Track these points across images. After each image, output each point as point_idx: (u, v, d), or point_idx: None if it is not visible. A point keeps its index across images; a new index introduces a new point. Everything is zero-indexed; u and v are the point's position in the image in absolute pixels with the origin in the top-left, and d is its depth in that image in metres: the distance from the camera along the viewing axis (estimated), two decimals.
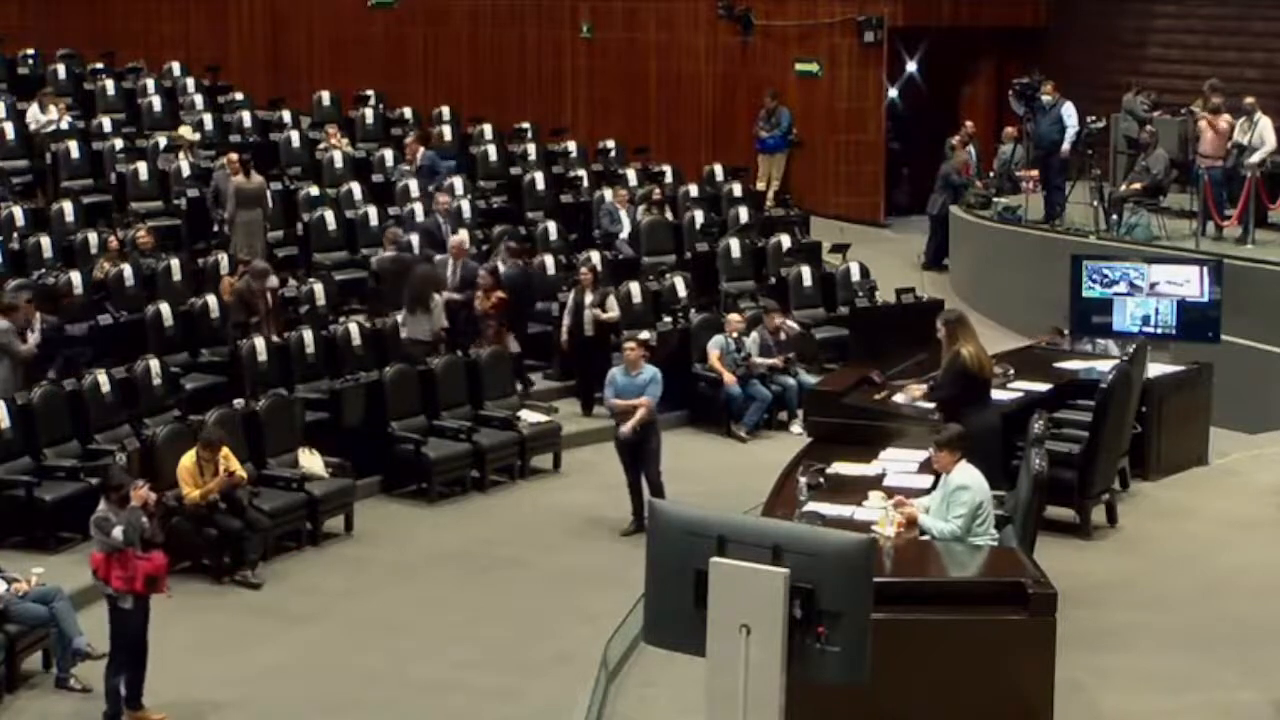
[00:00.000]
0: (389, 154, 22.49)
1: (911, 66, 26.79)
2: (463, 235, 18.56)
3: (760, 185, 25.01)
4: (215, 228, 19.83)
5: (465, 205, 20.58)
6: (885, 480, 10.77)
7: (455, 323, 17.35)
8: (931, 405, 11.98)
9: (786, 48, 25.89)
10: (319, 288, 18.10)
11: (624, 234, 20.54)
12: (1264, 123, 19.85)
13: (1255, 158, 19.56)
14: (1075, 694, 9.83)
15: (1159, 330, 15.28)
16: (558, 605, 13.16)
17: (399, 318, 17.10)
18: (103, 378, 14.88)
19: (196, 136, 22.02)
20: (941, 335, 11.77)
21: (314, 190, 20.68)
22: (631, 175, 22.59)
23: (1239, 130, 19.79)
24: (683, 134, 26.47)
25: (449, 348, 16.88)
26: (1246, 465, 14.95)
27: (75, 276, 17.04)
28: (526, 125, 24.45)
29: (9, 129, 21.71)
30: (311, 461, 14.84)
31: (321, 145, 22.52)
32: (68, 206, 19.57)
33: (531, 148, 23.52)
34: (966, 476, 9.78)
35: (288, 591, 13.55)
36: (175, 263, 17.92)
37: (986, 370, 11.77)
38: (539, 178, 21.95)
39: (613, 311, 17.60)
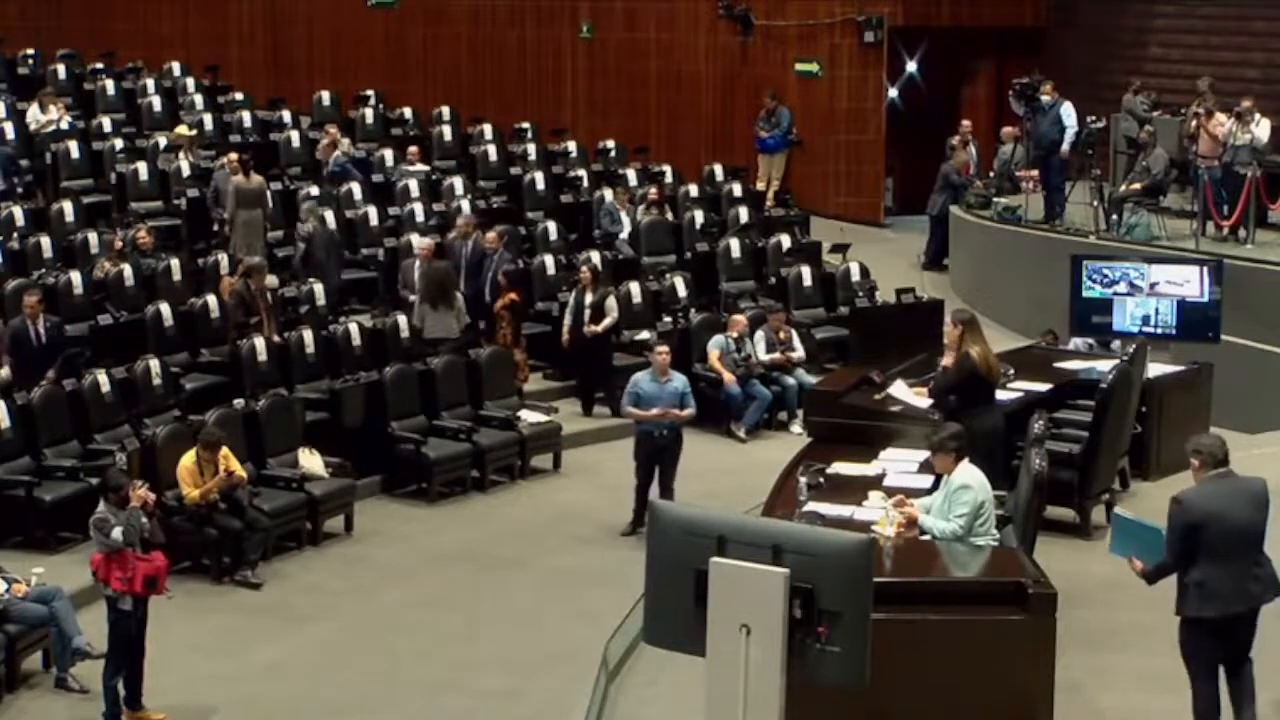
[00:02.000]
0: (389, 154, 22.50)
1: (911, 66, 26.79)
2: (426, 239, 18.60)
3: (760, 185, 25.01)
4: (215, 228, 19.85)
5: (465, 205, 20.59)
6: (885, 480, 10.75)
7: None
8: (930, 404, 11.98)
9: (786, 48, 25.89)
10: (319, 288, 18.11)
11: (624, 234, 20.55)
12: (1263, 125, 19.88)
13: (1246, 153, 19.59)
14: (1075, 694, 9.82)
15: (1159, 330, 15.28)
16: (558, 605, 13.16)
17: (414, 319, 17.09)
18: (103, 378, 14.88)
19: (193, 133, 22.01)
20: (953, 334, 11.71)
21: (314, 190, 20.68)
22: (631, 175, 22.59)
23: (1238, 130, 19.78)
24: (683, 134, 26.47)
25: (470, 344, 16.95)
26: (1246, 465, 14.89)
27: (75, 276, 17.05)
28: (526, 125, 24.46)
29: (9, 129, 21.71)
30: (311, 461, 14.84)
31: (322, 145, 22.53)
32: (68, 206, 19.58)
33: (531, 148, 23.53)
34: (969, 476, 9.77)
35: (288, 591, 13.55)
36: (175, 263, 17.95)
37: (994, 372, 11.76)
38: (539, 178, 21.95)
39: (610, 315, 17.58)
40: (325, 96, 25.29)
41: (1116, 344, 15.69)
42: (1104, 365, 13.82)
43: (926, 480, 10.55)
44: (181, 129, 22.05)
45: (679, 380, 14.59)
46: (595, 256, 19.02)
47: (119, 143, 21.71)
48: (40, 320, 15.49)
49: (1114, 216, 20.33)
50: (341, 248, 19.29)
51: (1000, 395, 12.41)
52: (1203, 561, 8.92)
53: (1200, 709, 9.11)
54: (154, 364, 15.45)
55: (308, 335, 16.48)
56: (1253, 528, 9.06)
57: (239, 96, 24.73)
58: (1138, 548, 9.23)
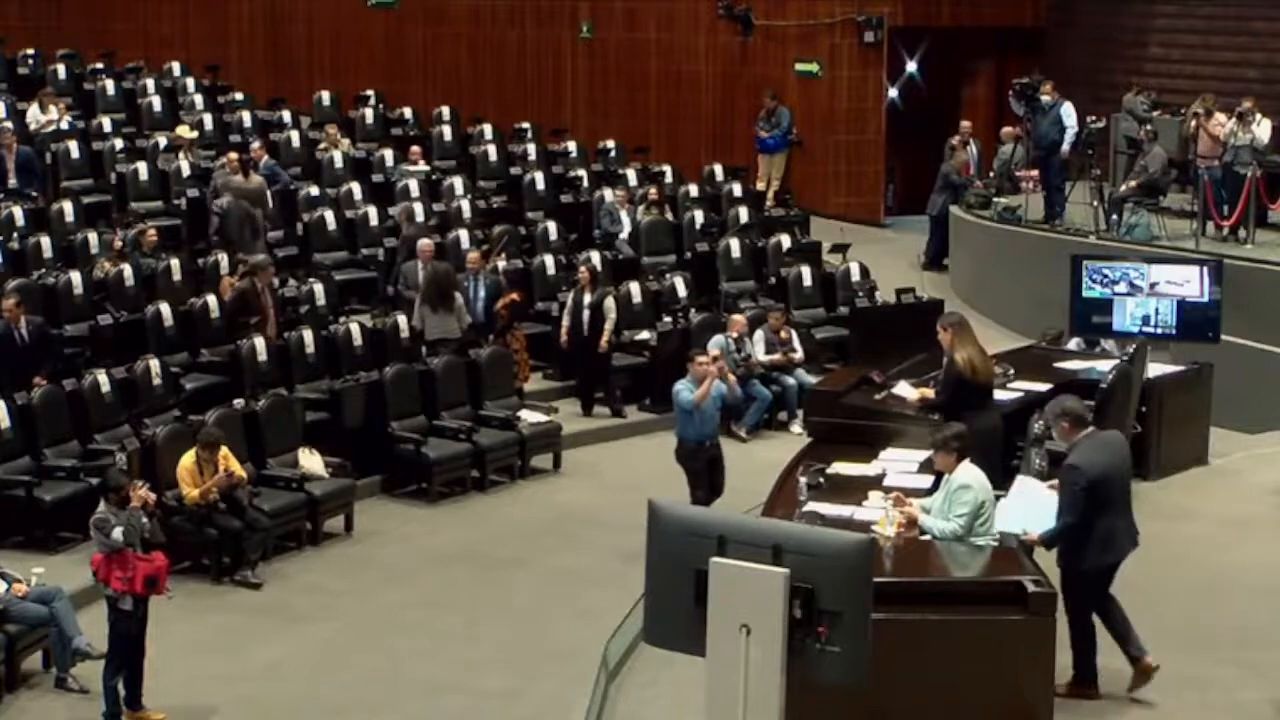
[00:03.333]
0: (389, 154, 22.51)
1: (911, 66, 26.80)
2: (427, 240, 18.60)
3: (760, 185, 25.00)
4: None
5: (465, 205, 20.59)
6: (885, 480, 10.76)
7: None
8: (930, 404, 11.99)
9: (786, 48, 25.89)
10: (319, 288, 18.12)
11: (624, 234, 20.54)
12: (1263, 125, 19.87)
13: (1246, 154, 19.60)
14: None
15: (1159, 330, 15.27)
16: (558, 605, 13.17)
17: (415, 321, 17.08)
18: (103, 378, 14.88)
19: (194, 134, 22.01)
20: (944, 337, 11.74)
21: (314, 190, 20.68)
22: (631, 175, 22.59)
23: (1239, 130, 19.78)
24: (683, 134, 26.46)
25: (471, 344, 16.94)
26: (1246, 465, 14.94)
27: (75, 276, 17.04)
28: (526, 125, 24.46)
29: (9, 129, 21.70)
30: (311, 461, 14.84)
31: (321, 145, 22.53)
32: (68, 206, 19.57)
33: (531, 148, 23.52)
34: (969, 476, 9.77)
35: (288, 591, 13.56)
36: (175, 263, 17.93)
37: (982, 375, 11.73)
38: (539, 178, 21.95)
39: (609, 316, 17.57)
40: (325, 96, 25.30)
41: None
42: (1104, 365, 13.82)
43: (926, 480, 10.56)
44: (182, 129, 22.05)
45: (716, 387, 14.58)
46: (595, 256, 19.03)
47: (119, 143, 21.71)
48: (22, 322, 15.36)
49: (1114, 216, 20.33)
50: (257, 221, 19.14)
51: (1000, 395, 12.42)
52: (1102, 515, 9.58)
53: (1087, 645, 9.73)
54: (154, 364, 15.45)
55: (308, 335, 16.48)
56: (1128, 478, 9.91)
57: (239, 96, 24.73)
58: (1026, 521, 9.70)
